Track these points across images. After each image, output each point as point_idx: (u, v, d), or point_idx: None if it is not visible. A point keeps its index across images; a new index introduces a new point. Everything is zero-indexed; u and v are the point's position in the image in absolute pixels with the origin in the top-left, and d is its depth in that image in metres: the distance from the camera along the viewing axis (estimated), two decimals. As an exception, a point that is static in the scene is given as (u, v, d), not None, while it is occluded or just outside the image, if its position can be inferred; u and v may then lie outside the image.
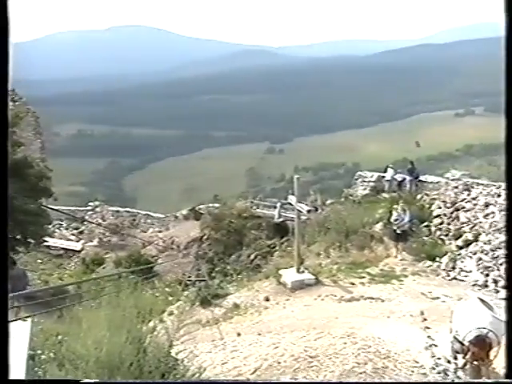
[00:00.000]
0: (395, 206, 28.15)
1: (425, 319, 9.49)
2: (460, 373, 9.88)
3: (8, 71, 5.12)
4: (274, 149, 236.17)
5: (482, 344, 11.08)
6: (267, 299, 21.51)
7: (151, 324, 11.91)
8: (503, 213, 27.14)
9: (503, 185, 32.30)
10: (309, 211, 25.91)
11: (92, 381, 8.70)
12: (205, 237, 40.33)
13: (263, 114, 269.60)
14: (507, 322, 5.67)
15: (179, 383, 9.69)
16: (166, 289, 27.87)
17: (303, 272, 23.26)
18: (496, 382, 8.94)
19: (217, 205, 45.14)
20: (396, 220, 27.23)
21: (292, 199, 24.03)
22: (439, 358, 9.06)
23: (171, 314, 20.26)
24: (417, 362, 12.77)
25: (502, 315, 11.53)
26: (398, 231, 27.08)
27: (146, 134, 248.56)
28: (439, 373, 9.15)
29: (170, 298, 24.44)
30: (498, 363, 10.27)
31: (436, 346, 9.23)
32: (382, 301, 20.04)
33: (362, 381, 10.54)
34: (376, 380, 12.19)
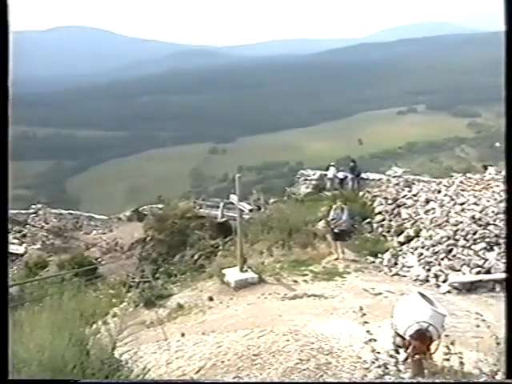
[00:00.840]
0: (333, 205, 27.94)
1: (363, 314, 9.54)
2: (401, 366, 9.96)
3: (8, 71, 5.04)
4: (217, 149, 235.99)
5: (422, 338, 11.19)
6: (211, 299, 21.53)
7: (94, 326, 11.82)
8: (443, 208, 27.55)
9: (444, 181, 32.83)
10: (251, 210, 26.02)
11: (92, 381, 8.68)
12: (148, 238, 40.22)
13: (207, 114, 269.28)
14: (507, 322, 5.69)
15: (178, 383, 9.63)
16: (110, 290, 27.74)
17: (246, 271, 23.30)
18: (496, 382, 9.03)
19: (160, 206, 45.00)
20: (333, 219, 26.92)
21: (234, 198, 24.06)
22: (379, 352, 9.12)
23: (115, 315, 20.14)
24: (359, 358, 12.84)
25: (442, 309, 11.68)
26: (336, 230, 26.76)
27: (89, 135, 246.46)
28: (379, 367, 9.22)
29: (114, 300, 24.33)
30: (438, 355, 10.37)
31: (375, 340, 9.28)
32: (325, 298, 20.14)
33: (359, 380, 10.60)
34: (319, 375, 12.24)
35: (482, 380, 9.21)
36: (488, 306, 19.86)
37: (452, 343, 9.55)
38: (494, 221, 25.37)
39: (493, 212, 26.03)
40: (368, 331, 9.21)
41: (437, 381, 9.41)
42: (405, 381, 9.48)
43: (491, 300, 20.75)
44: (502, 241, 24.21)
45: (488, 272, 22.65)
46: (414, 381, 9.67)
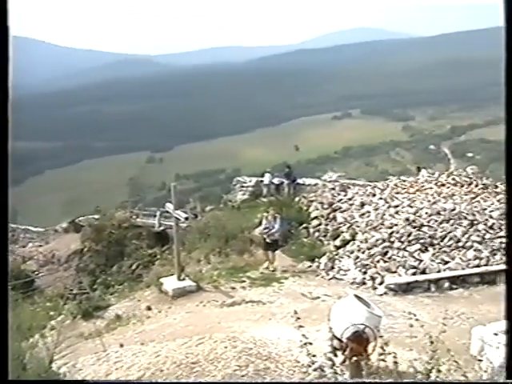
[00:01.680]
0: (265, 214, 27.53)
1: (298, 318, 9.59)
2: (338, 368, 10.05)
3: (8, 72, 4.99)
4: (154, 158, 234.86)
5: (359, 340, 11.32)
6: (149, 308, 21.40)
7: (31, 340, 11.69)
8: (378, 211, 27.88)
9: (378, 184, 33.23)
10: (187, 218, 25.85)
11: (94, 381, 8.50)
12: (85, 249, 39.78)
13: (144, 122, 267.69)
14: (507, 322, 5.72)
15: (177, 383, 9.56)
16: (47, 303, 27.33)
17: (184, 279, 23.20)
18: (496, 383, 9.13)
19: (97, 216, 44.56)
20: (266, 229, 26.36)
21: (169, 207, 23.94)
22: (314, 356, 9.19)
23: (53, 328, 19.87)
24: (298, 362, 12.92)
25: (378, 311, 11.83)
26: (268, 240, 26.16)
27: (24, 146, 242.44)
28: (315, 370, 9.31)
29: (52, 313, 23.96)
30: (375, 357, 10.48)
31: (311, 343, 9.36)
32: (263, 304, 20.23)
33: (358, 380, 10.64)
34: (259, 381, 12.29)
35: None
36: (424, 306, 20.19)
37: (386, 344, 9.68)
38: (428, 222, 25.81)
39: (426, 213, 26.47)
40: (303, 335, 9.27)
41: (438, 380, 9.50)
42: (404, 381, 9.57)
43: (427, 300, 21.09)
44: (435, 241, 24.64)
45: (423, 272, 23.02)
46: (412, 381, 9.76)
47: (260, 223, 28.23)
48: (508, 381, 5.71)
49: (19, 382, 5.94)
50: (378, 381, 9.55)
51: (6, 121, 5.04)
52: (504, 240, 24.60)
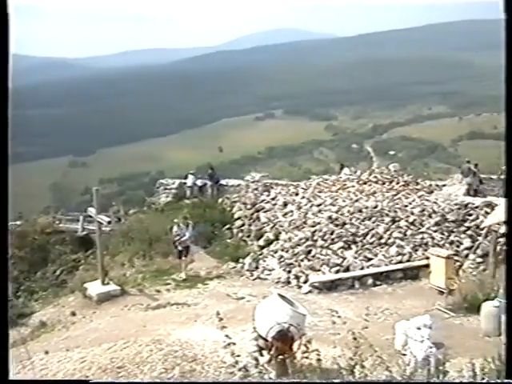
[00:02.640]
0: (176, 221, 26.66)
1: (221, 319, 9.61)
2: (262, 368, 10.08)
3: (8, 71, 4.92)
4: (77, 162, 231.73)
5: (284, 338, 11.38)
6: (74, 314, 21.16)
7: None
8: (301, 210, 28.07)
9: (301, 183, 33.44)
10: (110, 222, 25.60)
11: (98, 381, 8.26)
12: (8, 255, 39.06)
13: (65, 127, 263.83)
14: (507, 322, 5.73)
15: (178, 383, 9.38)
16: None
17: (108, 284, 23.00)
18: (496, 383, 9.16)
19: (19, 222, 43.77)
20: (177, 236, 25.56)
21: (92, 211, 23.68)
22: (239, 356, 9.21)
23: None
24: (224, 362, 12.94)
25: (302, 309, 11.92)
26: (180, 248, 25.45)
27: None
28: (240, 370, 9.33)
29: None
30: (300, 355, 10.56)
31: (235, 344, 9.39)
32: (188, 305, 20.25)
33: (361, 380, 10.58)
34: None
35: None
36: (348, 303, 20.43)
37: (309, 341, 9.76)
38: (350, 220, 26.12)
39: (348, 211, 26.78)
40: (227, 335, 9.29)
41: (438, 381, 9.57)
42: (404, 381, 9.59)
43: (351, 297, 21.36)
44: (358, 239, 24.94)
45: (347, 270, 23.29)
46: (414, 381, 9.79)
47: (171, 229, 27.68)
48: (508, 381, 5.76)
49: (19, 381, 5.85)
50: (377, 381, 9.62)
51: (6, 121, 4.99)
52: (425, 236, 25.09)
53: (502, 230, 20.93)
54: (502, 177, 33.95)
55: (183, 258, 25.44)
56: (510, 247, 5.91)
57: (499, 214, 21.72)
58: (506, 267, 5.97)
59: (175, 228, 25.73)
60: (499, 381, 8.68)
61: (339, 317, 12.24)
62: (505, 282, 5.95)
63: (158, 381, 12.50)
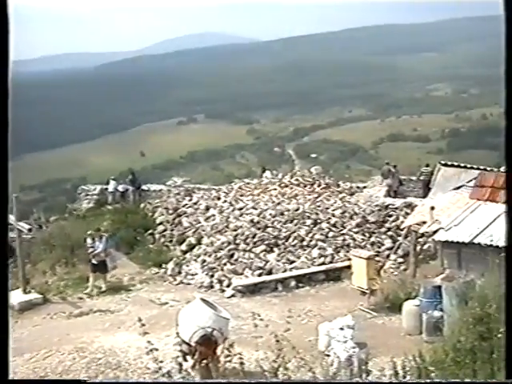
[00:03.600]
0: (89, 233, 25.15)
1: (143, 325, 9.56)
2: (185, 373, 10.06)
3: (8, 71, 4.75)
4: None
5: (208, 343, 11.39)
6: (-6, 324, 20.70)
7: None
8: (223, 214, 28.07)
9: (223, 187, 33.46)
10: (30, 230, 25.11)
11: (94, 381, 7.97)
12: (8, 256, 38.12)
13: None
14: (507, 322, 5.69)
15: (180, 383, 9.17)
16: None
17: (30, 292, 22.58)
18: (496, 382, 9.14)
19: None
20: (90, 248, 24.19)
21: (11, 219, 23.23)
22: (161, 361, 9.15)
23: None
24: (148, 368, 12.87)
25: (225, 313, 11.92)
26: (94, 261, 23.92)
27: None
28: (163, 375, 9.27)
29: None
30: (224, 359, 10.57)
31: (157, 349, 9.32)
32: (112, 312, 20.08)
33: (364, 380, 10.45)
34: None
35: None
36: (272, 305, 20.53)
37: (232, 345, 9.76)
38: (272, 223, 26.23)
39: (270, 215, 26.89)
40: (149, 341, 9.22)
41: (438, 381, 9.55)
42: (406, 381, 9.56)
43: (275, 300, 21.46)
44: (280, 242, 25.07)
45: (270, 273, 23.39)
46: (417, 381, 9.77)
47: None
48: (508, 380, 5.78)
49: (19, 381, 5.69)
50: (377, 381, 9.61)
51: (6, 121, 4.85)
52: (347, 237, 25.38)
53: (422, 230, 21.33)
54: (422, 178, 34.61)
55: (98, 274, 24.00)
56: (510, 247, 5.95)
57: (418, 215, 22.16)
58: (505, 266, 6.04)
59: (89, 240, 24.41)
60: (499, 381, 8.74)
61: (261, 320, 12.31)
62: (505, 282, 6.01)
63: (158, 381, 12.39)
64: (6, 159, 5.04)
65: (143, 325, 9.61)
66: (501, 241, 17.66)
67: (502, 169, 27.29)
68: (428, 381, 9.35)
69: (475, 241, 18.48)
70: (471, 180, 22.69)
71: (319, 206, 28.04)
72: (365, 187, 35.04)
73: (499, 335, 11.42)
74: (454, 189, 23.11)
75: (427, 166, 35.07)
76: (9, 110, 5.20)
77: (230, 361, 9.65)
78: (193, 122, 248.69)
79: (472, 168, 24.37)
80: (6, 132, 5.11)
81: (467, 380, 9.05)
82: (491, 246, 17.84)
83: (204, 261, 24.93)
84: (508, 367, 5.80)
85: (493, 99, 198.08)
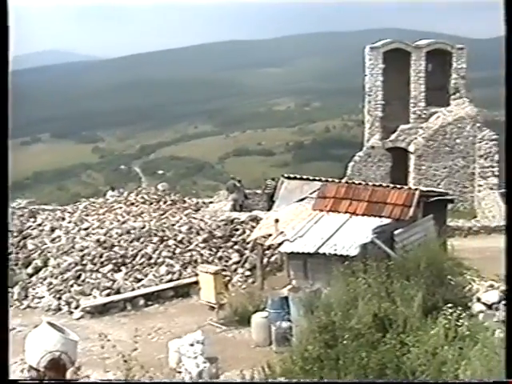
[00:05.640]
0: None
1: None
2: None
3: (8, 71, 4.62)
4: None
5: (56, 367, 11.25)
6: None
7: None
8: (69, 235, 27.67)
9: (68, 208, 32.97)
10: None
11: (93, 381, 7.41)
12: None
13: None
14: (507, 324, 5.69)
15: (177, 383, 8.63)
16: None
17: None
18: (496, 382, 9.05)
19: None
20: None
21: None
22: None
23: None
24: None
25: (74, 335, 11.82)
26: None
27: None
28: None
29: None
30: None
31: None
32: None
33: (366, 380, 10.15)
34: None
35: None
36: (121, 325, 20.49)
37: (78, 368, 9.72)
38: (119, 242, 26.09)
39: (117, 233, 26.73)
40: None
41: (439, 380, 9.47)
42: (404, 381, 9.45)
43: (124, 319, 21.42)
44: (128, 261, 24.99)
45: (118, 292, 23.28)
46: (416, 381, 9.66)
47: None
48: (508, 380, 5.89)
49: (19, 381, 5.38)
50: (378, 380, 9.56)
51: (6, 121, 4.75)
52: (194, 253, 25.59)
53: (268, 242, 21.80)
54: (266, 191, 35.35)
55: None
56: (510, 247, 6.11)
57: (264, 227, 22.63)
58: (506, 267, 6.21)
59: None
60: (499, 381, 8.92)
61: (108, 340, 12.29)
62: (505, 282, 6.21)
63: (158, 381, 11.99)
64: (6, 158, 5.01)
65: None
66: (344, 250, 18.35)
67: (344, 180, 28.37)
68: (424, 381, 9.55)
69: (320, 251, 18.95)
70: (314, 191, 23.31)
71: (165, 223, 28.10)
72: (211, 202, 35.46)
73: (344, 342, 11.92)
74: (298, 201, 23.66)
75: (272, 179, 35.84)
76: (9, 110, 5.21)
77: (78, 383, 9.63)
78: (38, 142, 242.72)
79: (314, 180, 24.94)
80: (6, 132, 5.08)
81: (467, 380, 9.34)
82: (335, 255, 18.43)
83: (51, 283, 24.45)
84: (508, 367, 6.02)
85: (335, 112, 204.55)
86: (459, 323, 11.59)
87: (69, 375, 10.97)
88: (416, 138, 46.47)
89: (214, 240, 26.60)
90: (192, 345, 14.64)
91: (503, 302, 17.92)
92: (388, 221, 20.31)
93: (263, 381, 10.94)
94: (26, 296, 24.56)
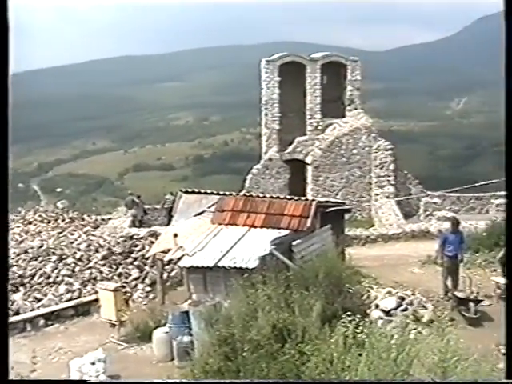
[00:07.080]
0: None
1: None
2: None
3: (8, 72, 4.30)
4: None
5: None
6: None
7: None
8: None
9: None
10: None
11: (96, 381, 6.97)
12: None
13: None
14: (507, 324, 5.63)
15: (191, 383, 8.20)
16: None
17: None
18: (496, 382, 8.88)
19: None
20: None
21: None
22: None
23: None
24: None
25: None
26: None
27: None
28: None
29: None
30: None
31: None
32: None
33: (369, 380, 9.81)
34: None
35: None
36: (21, 346, 20.07)
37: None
38: (17, 262, 25.59)
39: (14, 253, 26.24)
40: None
41: (439, 381, 9.31)
42: (405, 381, 9.28)
43: (24, 340, 20.99)
44: (26, 280, 24.54)
45: (17, 313, 22.81)
46: (412, 381, 9.48)
47: None
48: (508, 381, 5.89)
49: (19, 381, 5.11)
50: (380, 381, 9.41)
51: (6, 121, 4.50)
52: (94, 270, 25.34)
53: (167, 257, 21.77)
54: (165, 206, 35.29)
55: None
56: (509, 249, 6.12)
57: (163, 242, 22.59)
58: (506, 269, 6.26)
59: None
60: (499, 381, 8.86)
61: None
62: (505, 282, 6.27)
63: (158, 381, 11.56)
64: (6, 158, 4.85)
65: None
66: (243, 262, 18.50)
67: (242, 192, 28.59)
68: (430, 381, 9.56)
69: (219, 264, 19.01)
70: (212, 205, 23.44)
71: (64, 241, 27.77)
72: (110, 219, 35.21)
73: (244, 354, 12.06)
74: (196, 215, 23.73)
75: (171, 193, 35.84)
76: (8, 110, 5.04)
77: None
78: None
79: (212, 193, 25.06)
80: (6, 131, 4.93)
81: (467, 380, 9.40)
82: (235, 267, 18.54)
83: None
84: (508, 367, 6.08)
85: (233, 125, 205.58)
86: (358, 330, 11.82)
87: None
88: (313, 150, 47.16)
89: (114, 257, 26.38)
90: (93, 363, 14.55)
91: (401, 308, 18.47)
92: (286, 232, 20.55)
93: (262, 380, 10.95)
94: None
